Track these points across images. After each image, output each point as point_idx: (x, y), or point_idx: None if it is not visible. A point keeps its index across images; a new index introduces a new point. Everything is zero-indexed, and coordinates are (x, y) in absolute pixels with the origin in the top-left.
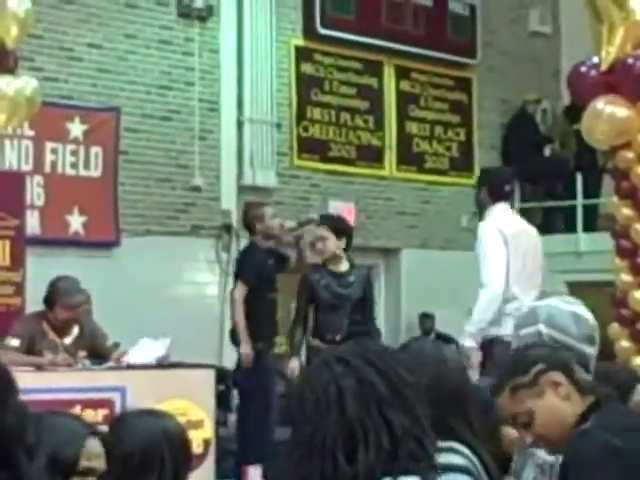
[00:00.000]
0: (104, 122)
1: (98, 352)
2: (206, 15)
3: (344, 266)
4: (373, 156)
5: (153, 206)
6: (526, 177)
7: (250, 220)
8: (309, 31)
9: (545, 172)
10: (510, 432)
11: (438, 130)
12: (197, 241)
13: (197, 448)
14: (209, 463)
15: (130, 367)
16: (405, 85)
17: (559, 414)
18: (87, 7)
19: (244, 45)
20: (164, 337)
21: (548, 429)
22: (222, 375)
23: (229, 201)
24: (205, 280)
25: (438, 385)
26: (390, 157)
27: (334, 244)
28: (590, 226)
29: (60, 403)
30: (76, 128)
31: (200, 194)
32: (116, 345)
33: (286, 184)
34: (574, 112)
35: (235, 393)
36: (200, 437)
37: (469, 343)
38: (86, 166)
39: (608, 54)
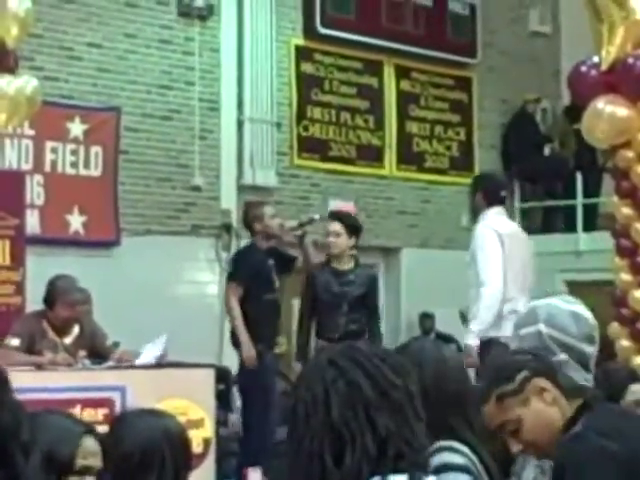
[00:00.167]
0: (104, 121)
1: (98, 351)
2: (206, 14)
3: (348, 264)
4: (373, 156)
5: (153, 206)
6: (526, 177)
7: (250, 220)
8: (309, 31)
9: (545, 172)
10: None
11: (438, 130)
12: (197, 241)
13: (197, 448)
14: (209, 463)
15: (130, 366)
16: (405, 85)
17: (547, 420)
18: (87, 6)
19: (244, 44)
20: (161, 335)
21: (536, 435)
22: (222, 374)
23: (229, 201)
24: (205, 279)
25: (438, 385)
26: (390, 156)
27: (345, 241)
28: (590, 225)
29: (60, 402)
30: (76, 127)
31: (200, 194)
32: (116, 344)
33: (286, 183)
34: (574, 112)
35: (236, 393)
36: (200, 436)
37: (473, 341)
38: (86, 165)
39: (608, 54)
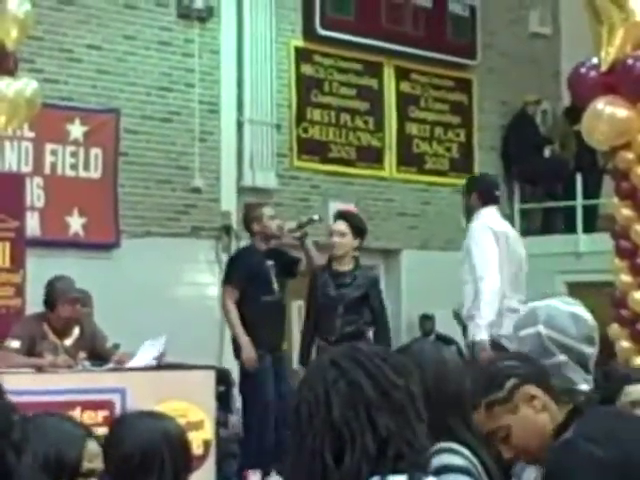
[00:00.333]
0: (104, 124)
1: (98, 353)
2: (206, 16)
3: (348, 266)
4: (373, 157)
5: (153, 207)
6: (526, 178)
7: (249, 221)
8: (309, 32)
9: (545, 173)
10: None
11: (438, 131)
12: (197, 242)
13: (197, 449)
14: (209, 464)
15: (130, 369)
16: (405, 86)
17: (537, 427)
18: (87, 8)
19: (244, 46)
20: (160, 336)
21: (527, 442)
22: (222, 376)
23: (229, 202)
24: (205, 281)
25: (438, 386)
26: (390, 158)
27: (350, 242)
28: (590, 227)
29: (60, 405)
30: (76, 129)
31: (200, 195)
32: (116, 346)
33: (286, 185)
34: (574, 113)
35: (236, 394)
36: (200, 438)
37: (484, 336)
38: (86, 167)
39: (608, 55)
